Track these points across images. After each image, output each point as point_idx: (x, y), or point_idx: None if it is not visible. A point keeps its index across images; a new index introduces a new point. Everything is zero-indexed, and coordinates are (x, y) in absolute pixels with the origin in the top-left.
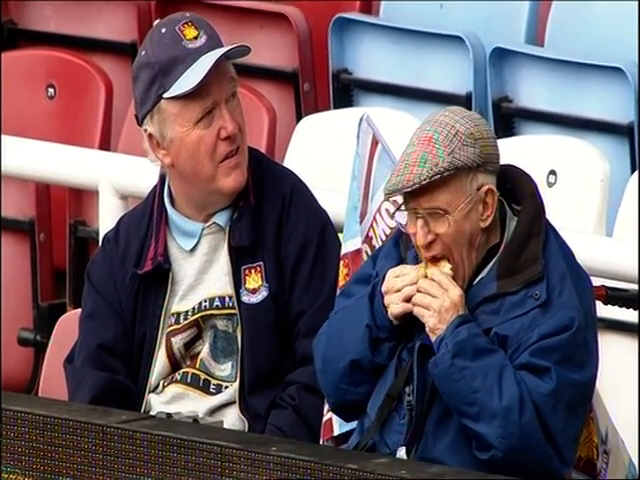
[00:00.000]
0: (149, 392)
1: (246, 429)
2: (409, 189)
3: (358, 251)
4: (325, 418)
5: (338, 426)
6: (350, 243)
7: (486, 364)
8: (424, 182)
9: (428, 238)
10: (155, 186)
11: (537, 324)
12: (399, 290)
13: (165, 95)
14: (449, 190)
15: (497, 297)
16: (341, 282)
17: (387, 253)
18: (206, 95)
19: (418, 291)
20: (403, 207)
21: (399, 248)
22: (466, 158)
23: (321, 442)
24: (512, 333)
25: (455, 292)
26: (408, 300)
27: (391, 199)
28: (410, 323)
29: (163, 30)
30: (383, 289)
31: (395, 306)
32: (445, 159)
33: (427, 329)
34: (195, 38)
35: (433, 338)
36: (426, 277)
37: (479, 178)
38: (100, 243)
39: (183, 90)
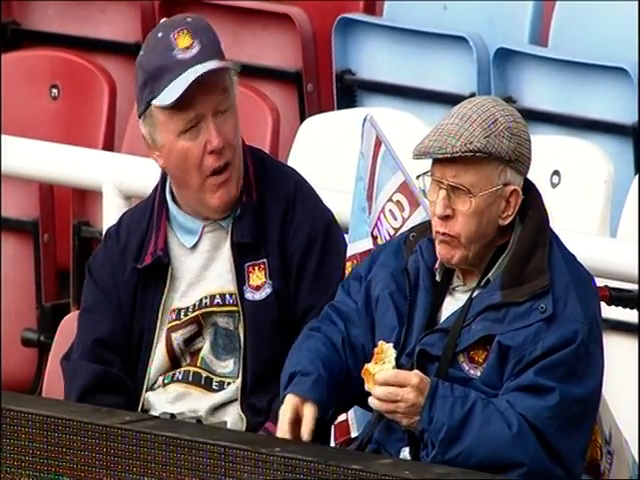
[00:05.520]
0: (147, 388)
1: (244, 426)
2: (439, 156)
3: (368, 252)
4: (339, 419)
5: (356, 427)
6: (359, 244)
7: (474, 433)
8: (455, 154)
9: (447, 211)
10: (158, 183)
11: (541, 337)
12: None
13: (153, 102)
14: (477, 172)
15: (501, 306)
16: None
17: (384, 261)
18: (189, 108)
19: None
20: (429, 174)
21: (399, 256)
22: (500, 148)
23: (332, 444)
24: (516, 344)
25: (412, 382)
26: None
27: (398, 198)
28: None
29: (159, 34)
30: None
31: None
32: (481, 140)
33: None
34: (187, 48)
35: (414, 431)
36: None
37: (508, 174)
38: (102, 238)
39: (166, 102)
